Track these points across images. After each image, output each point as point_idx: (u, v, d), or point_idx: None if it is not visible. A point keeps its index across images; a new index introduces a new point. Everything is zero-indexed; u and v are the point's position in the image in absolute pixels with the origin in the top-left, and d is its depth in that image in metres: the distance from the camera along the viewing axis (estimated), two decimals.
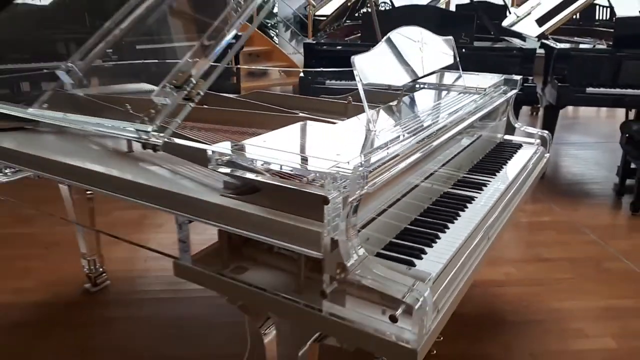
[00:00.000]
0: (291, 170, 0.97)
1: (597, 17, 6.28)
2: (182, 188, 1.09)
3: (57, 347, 1.80)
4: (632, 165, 3.05)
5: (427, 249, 1.11)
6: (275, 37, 7.09)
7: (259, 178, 0.99)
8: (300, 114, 1.49)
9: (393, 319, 0.89)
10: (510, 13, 5.81)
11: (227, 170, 1.02)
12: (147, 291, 2.16)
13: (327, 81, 3.19)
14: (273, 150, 1.03)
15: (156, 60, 2.27)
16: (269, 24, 7.27)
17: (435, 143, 1.22)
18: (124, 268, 2.30)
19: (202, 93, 1.09)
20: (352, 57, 1.18)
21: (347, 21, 4.75)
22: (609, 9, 6.02)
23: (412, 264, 1.04)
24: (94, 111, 1.30)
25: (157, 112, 1.05)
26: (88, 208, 2.02)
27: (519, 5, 7.32)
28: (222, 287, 1.10)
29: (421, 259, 1.07)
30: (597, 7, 6.44)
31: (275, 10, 7.29)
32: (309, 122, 1.28)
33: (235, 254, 1.14)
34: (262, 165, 0.99)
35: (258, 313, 1.12)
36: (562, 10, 3.87)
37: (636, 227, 2.80)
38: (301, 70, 5.14)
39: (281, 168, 0.96)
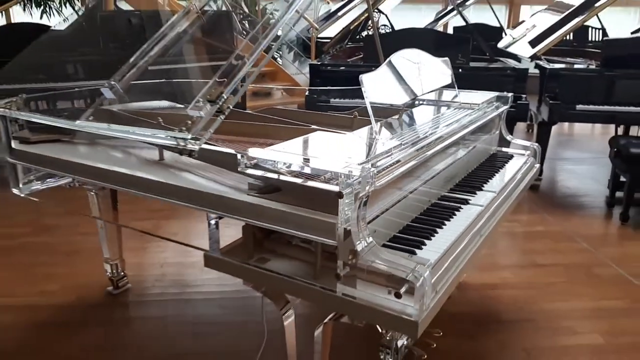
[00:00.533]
0: (310, 172, 1.13)
1: (589, 39, 6.53)
2: (214, 189, 1.26)
3: (82, 344, 1.94)
4: (622, 178, 3.21)
5: (426, 241, 1.26)
6: (279, 59, 7.32)
7: (283, 178, 1.15)
8: (312, 127, 1.66)
9: (398, 296, 1.04)
10: (506, 34, 6.05)
11: (255, 172, 1.18)
12: (164, 293, 2.30)
13: (332, 99, 3.38)
14: (294, 154, 1.20)
15: (172, 80, 2.45)
16: (272, 46, 7.50)
17: (432, 151, 1.39)
18: (142, 273, 2.45)
19: (231, 107, 1.26)
20: (360, 75, 1.35)
21: (349, 43, 4.97)
22: (601, 31, 6.28)
23: (414, 253, 1.20)
24: (130, 123, 1.47)
25: (193, 123, 1.22)
26: (113, 216, 2.18)
27: (514, 27, 7.58)
28: (247, 275, 1.25)
29: (421, 249, 1.23)
30: (590, 28, 6.71)
31: (280, 33, 7.53)
32: (321, 133, 1.45)
33: (258, 247, 1.30)
34: (284, 167, 1.15)
35: (279, 297, 1.28)
36: (554, 32, 4.06)
37: (625, 235, 2.96)
38: (306, 88, 5.35)
39: (302, 169, 1.12)
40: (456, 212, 1.46)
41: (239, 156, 1.19)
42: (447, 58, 1.92)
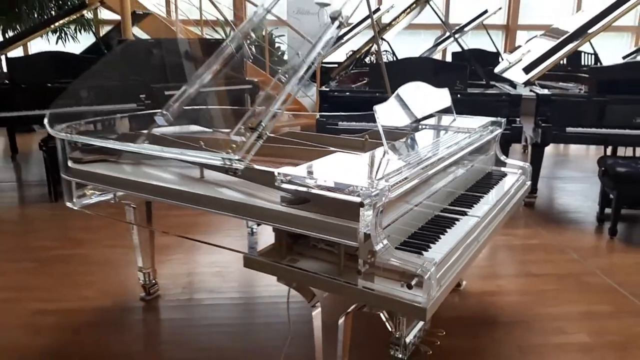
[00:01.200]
0: (334, 186, 1.37)
1: (582, 63, 6.85)
2: (254, 202, 1.50)
3: (118, 343, 2.16)
4: (610, 195, 3.46)
5: (431, 244, 1.51)
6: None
7: (312, 191, 1.40)
8: (330, 149, 1.91)
9: (409, 287, 1.28)
10: (502, 59, 6.36)
11: (289, 187, 1.42)
12: (191, 299, 2.52)
13: (340, 122, 3.65)
14: (321, 172, 1.44)
15: (203, 107, 2.71)
16: (279, 70, 7.84)
17: (435, 169, 1.64)
18: (171, 281, 2.67)
19: (268, 133, 1.51)
20: (374, 106, 1.61)
21: (353, 69, 5.27)
22: (593, 56, 6.60)
23: (421, 253, 1.44)
24: (178, 146, 1.73)
25: (237, 147, 1.47)
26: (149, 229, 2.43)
27: (511, 52, 7.92)
28: (281, 272, 1.49)
29: (427, 251, 1.47)
30: (583, 53, 7.04)
31: (286, 57, 7.88)
32: (340, 154, 1.70)
33: (289, 250, 1.53)
34: (314, 182, 1.39)
35: (307, 292, 1.51)
36: (548, 59, 4.34)
37: (612, 248, 3.19)
38: (311, 113, 5.61)
39: (328, 184, 1.36)
40: (456, 222, 1.70)
41: (275, 173, 1.44)
42: (446, 88, 2.18)
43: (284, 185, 1.44)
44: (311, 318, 1.54)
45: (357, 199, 1.30)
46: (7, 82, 4.41)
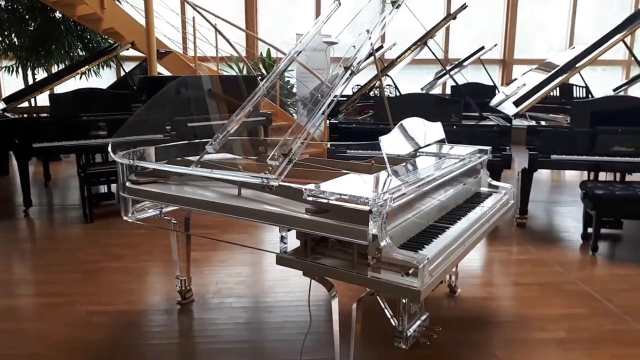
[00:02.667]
0: (349, 198, 1.78)
1: (575, 95, 7.31)
2: (285, 212, 1.91)
3: (160, 339, 2.54)
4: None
5: (425, 245, 1.91)
6: (294, 114, 8.13)
7: (332, 203, 1.80)
8: (343, 171, 2.33)
9: (407, 275, 1.68)
10: (499, 92, 6.83)
11: (314, 199, 1.83)
12: (221, 302, 2.90)
13: (348, 151, 4.08)
14: (339, 188, 1.85)
15: (235, 138, 3.12)
16: (289, 102, 8.36)
17: (428, 187, 2.06)
18: (203, 289, 3.06)
19: (296, 158, 1.93)
20: (380, 137, 2.04)
21: (360, 102, 5.74)
22: (584, 88, 7.06)
23: (417, 252, 1.84)
24: (221, 169, 2.15)
25: (273, 169, 1.89)
26: (186, 242, 2.84)
27: (507, 84, 8.43)
28: (307, 267, 1.88)
29: (422, 250, 1.87)
30: (575, 87, 7.52)
31: (295, 90, 8.40)
32: (353, 174, 2.12)
33: (311, 250, 1.93)
34: (334, 196, 1.80)
35: (327, 283, 1.90)
36: (536, 92, 4.78)
37: (593, 262, 3.56)
38: (320, 142, 6.05)
39: (345, 197, 1.77)
40: (446, 230, 2.10)
41: (303, 189, 1.85)
42: (439, 122, 2.61)
43: (310, 198, 1.85)
44: (325, 318, 1.92)
45: (367, 208, 1.71)
46: (48, 115, 4.89)
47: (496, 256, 3.68)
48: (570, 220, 4.60)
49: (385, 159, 2.03)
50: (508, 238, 4.07)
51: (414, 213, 2.04)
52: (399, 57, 5.29)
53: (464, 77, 7.64)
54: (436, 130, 2.58)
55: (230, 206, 2.04)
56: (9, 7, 7.57)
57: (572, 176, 6.73)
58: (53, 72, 7.76)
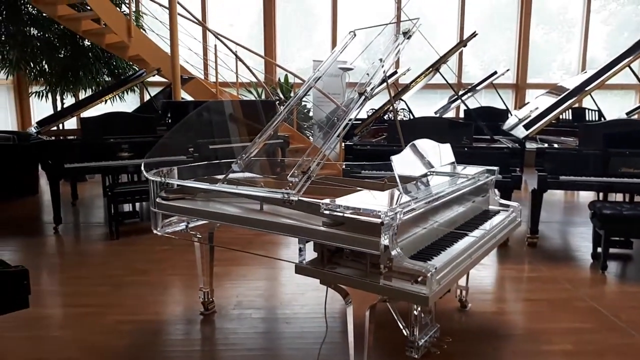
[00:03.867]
0: (363, 212, 1.94)
1: (587, 119, 7.42)
2: (304, 225, 2.08)
3: (184, 345, 2.70)
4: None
5: (434, 257, 2.05)
6: (310, 137, 8.36)
7: (347, 216, 1.97)
8: (357, 188, 2.50)
9: (416, 282, 1.83)
10: (511, 115, 6.97)
11: (331, 213, 2.00)
12: (241, 313, 3.06)
13: (362, 171, 4.25)
14: (352, 203, 2.02)
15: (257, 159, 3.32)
16: (305, 126, 8.60)
17: (437, 203, 2.21)
18: (224, 301, 3.22)
19: (314, 176, 2.11)
20: (391, 157, 2.21)
21: (374, 125, 5.93)
22: (597, 112, 7.17)
23: (426, 262, 1.98)
24: (246, 185, 2.34)
25: (293, 185, 2.07)
26: (209, 256, 3.02)
27: (520, 107, 8.57)
28: (323, 276, 2.04)
29: (431, 260, 2.01)
30: (587, 110, 7.64)
31: (311, 114, 8.65)
32: (365, 191, 2.28)
33: (328, 260, 2.09)
34: (349, 209, 1.97)
35: (342, 290, 2.06)
36: (546, 116, 4.91)
37: (602, 280, 3.65)
38: (336, 163, 6.23)
39: (359, 210, 1.94)
40: (454, 243, 2.25)
41: (321, 203, 2.02)
42: (448, 143, 2.78)
43: (326, 212, 2.01)
44: (340, 329, 2.05)
45: (379, 220, 1.87)
46: (79, 137, 5.17)
47: (507, 274, 3.78)
48: (581, 240, 4.68)
49: (397, 177, 2.20)
50: (519, 257, 4.17)
51: (424, 227, 2.19)
52: (412, 81, 5.50)
53: (477, 101, 7.82)
54: (446, 151, 2.74)
55: (254, 219, 2.22)
56: (41, 36, 7.99)
57: (585, 197, 6.80)
58: (80, 97, 8.14)
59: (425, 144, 2.55)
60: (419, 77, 5.22)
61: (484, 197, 2.93)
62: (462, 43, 4.83)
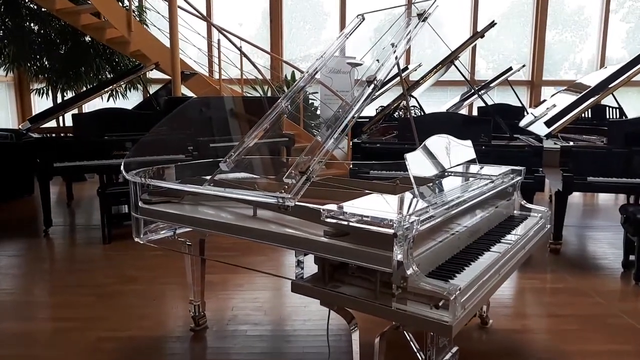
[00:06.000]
0: (372, 220, 1.63)
1: (608, 117, 7.04)
2: (302, 235, 1.77)
3: None
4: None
5: (456, 274, 1.73)
6: (318, 137, 8.03)
7: (352, 225, 1.65)
8: (366, 191, 2.19)
9: (437, 307, 1.51)
10: (527, 113, 6.61)
11: (333, 221, 1.69)
12: (236, 330, 2.75)
13: (371, 171, 3.93)
14: (359, 208, 1.71)
15: (253, 157, 3.02)
16: (312, 124, 8.29)
17: (458, 209, 1.89)
18: (218, 314, 2.92)
19: (314, 176, 1.80)
20: (405, 154, 1.89)
21: (383, 123, 5.61)
22: (618, 110, 6.79)
23: (447, 281, 1.66)
24: (236, 188, 2.03)
25: (289, 187, 1.76)
26: (200, 264, 2.71)
27: (536, 106, 8.21)
28: (325, 296, 1.73)
29: (453, 279, 1.69)
30: (608, 108, 7.25)
31: (318, 112, 8.34)
32: (376, 194, 1.97)
33: (331, 277, 1.78)
34: (355, 217, 1.66)
35: (347, 314, 1.74)
36: (569, 112, 4.57)
37: (637, 292, 3.30)
38: (343, 162, 5.92)
39: (367, 218, 1.62)
40: (479, 256, 1.92)
41: (321, 209, 1.71)
42: (469, 140, 2.45)
43: (328, 220, 1.70)
44: (345, 349, 1.75)
45: (391, 231, 1.55)
46: (70, 135, 4.90)
47: (529, 284, 3.44)
48: (607, 246, 4.33)
49: (412, 178, 1.88)
50: (541, 265, 3.83)
51: (443, 238, 1.87)
52: (426, 74, 5.16)
53: (490, 98, 7.46)
54: (466, 148, 2.42)
55: (244, 228, 1.91)
56: (41, 32, 7.75)
57: (605, 200, 6.43)
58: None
59: (443, 141, 2.23)
60: (432, 70, 4.88)
61: (509, 201, 2.60)
62: (479, 34, 4.49)
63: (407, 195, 1.93)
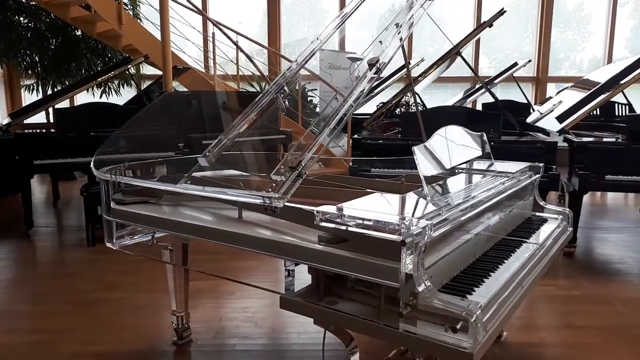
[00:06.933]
0: (374, 224, 1.36)
1: (616, 114, 6.77)
2: (295, 241, 1.50)
3: None
4: None
5: (474, 288, 1.47)
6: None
7: (351, 230, 1.39)
8: (367, 190, 1.92)
9: (454, 330, 1.24)
10: (533, 110, 6.35)
11: (329, 225, 1.42)
12: (224, 344, 2.49)
13: (372, 169, 3.67)
14: (362, 210, 1.44)
15: (241, 153, 2.76)
16: (312, 122, 8.02)
17: (475, 211, 1.62)
18: (204, 326, 2.65)
19: (307, 172, 1.53)
20: (413, 147, 1.62)
21: (384, 119, 5.34)
22: (627, 106, 6.53)
23: (465, 297, 1.40)
24: (218, 186, 1.77)
25: (277, 185, 1.49)
26: (184, 270, 2.44)
27: (541, 103, 7.93)
28: (319, 314, 1.46)
29: (471, 294, 1.43)
30: (616, 104, 6.98)
31: (318, 110, 8.07)
32: (378, 194, 1.70)
33: (326, 291, 1.52)
34: (354, 220, 1.39)
35: (346, 335, 1.48)
36: (581, 108, 4.31)
37: None
38: (341, 158, 5.65)
39: (369, 222, 1.36)
40: (499, 266, 1.66)
41: (315, 211, 1.44)
42: (482, 133, 2.18)
43: (323, 224, 1.44)
44: None
45: (398, 238, 1.29)
46: (53, 131, 4.64)
47: (543, 291, 3.17)
48: (623, 249, 4.06)
49: (421, 175, 1.61)
50: (554, 269, 3.56)
51: (457, 245, 1.60)
52: (429, 68, 4.88)
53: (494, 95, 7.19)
54: (480, 142, 2.15)
55: (226, 232, 1.65)
56: (30, 26, 7.48)
57: (613, 199, 6.16)
58: None
59: (455, 132, 1.96)
60: (436, 63, 4.61)
61: (526, 202, 2.33)
62: (488, 22, 4.22)
63: (415, 195, 1.66)
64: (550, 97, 7.42)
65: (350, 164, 3.66)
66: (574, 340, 2.54)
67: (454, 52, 4.31)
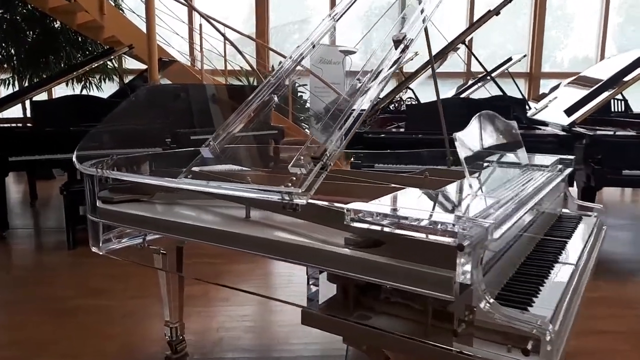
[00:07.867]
0: (422, 224, 1.13)
1: (612, 109, 6.67)
2: (317, 245, 1.25)
3: None
4: None
5: (533, 298, 1.24)
6: (307, 130, 7.53)
7: (388, 230, 1.15)
8: (392, 185, 1.68)
9: (525, 352, 1.01)
10: (530, 107, 6.21)
11: (362, 225, 1.18)
12: (221, 358, 2.24)
13: (376, 164, 3.43)
14: (399, 208, 1.20)
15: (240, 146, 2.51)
16: (302, 117, 7.78)
17: (528, 207, 1.40)
18: (200, 337, 2.40)
19: (332, 163, 1.29)
20: (454, 134, 1.39)
21: (382, 115, 5.13)
22: (623, 102, 6.42)
23: (526, 309, 1.17)
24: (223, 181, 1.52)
25: (297, 179, 1.25)
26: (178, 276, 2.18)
27: (535, 99, 7.79)
28: (350, 332, 1.23)
29: (532, 306, 1.20)
30: (613, 100, 6.86)
31: (308, 106, 7.83)
32: (411, 189, 1.46)
33: (356, 302, 1.28)
34: (393, 220, 1.15)
35: (382, 356, 1.24)
36: (587, 102, 4.15)
37: None
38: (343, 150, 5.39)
39: (417, 222, 1.12)
40: (550, 271, 1.44)
41: (345, 209, 1.20)
42: (514, 121, 1.96)
43: (355, 224, 1.20)
44: None
45: (454, 241, 1.05)
46: (30, 125, 4.32)
47: None
48: (634, 248, 3.91)
49: (464, 164, 1.38)
50: None
51: (506, 248, 1.38)
52: (426, 64, 4.67)
53: (487, 91, 7.04)
54: (512, 130, 1.93)
55: (232, 234, 1.39)
56: (6, 16, 7.10)
57: (612, 195, 6.05)
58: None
59: (491, 119, 1.73)
60: (442, 50, 4.38)
61: (558, 198, 2.12)
62: (495, 11, 4.02)
63: (454, 190, 1.43)
64: (543, 94, 7.31)
65: (352, 159, 3.42)
66: (599, 346, 2.36)
67: (458, 42, 4.10)
